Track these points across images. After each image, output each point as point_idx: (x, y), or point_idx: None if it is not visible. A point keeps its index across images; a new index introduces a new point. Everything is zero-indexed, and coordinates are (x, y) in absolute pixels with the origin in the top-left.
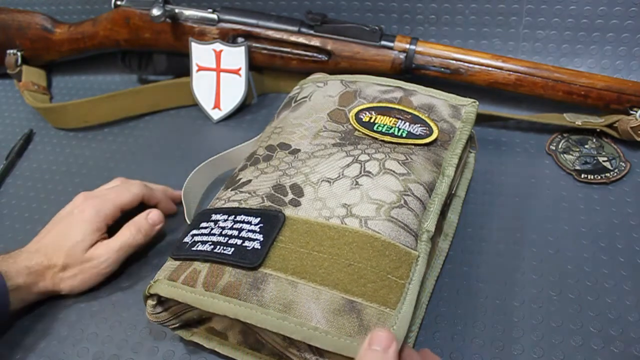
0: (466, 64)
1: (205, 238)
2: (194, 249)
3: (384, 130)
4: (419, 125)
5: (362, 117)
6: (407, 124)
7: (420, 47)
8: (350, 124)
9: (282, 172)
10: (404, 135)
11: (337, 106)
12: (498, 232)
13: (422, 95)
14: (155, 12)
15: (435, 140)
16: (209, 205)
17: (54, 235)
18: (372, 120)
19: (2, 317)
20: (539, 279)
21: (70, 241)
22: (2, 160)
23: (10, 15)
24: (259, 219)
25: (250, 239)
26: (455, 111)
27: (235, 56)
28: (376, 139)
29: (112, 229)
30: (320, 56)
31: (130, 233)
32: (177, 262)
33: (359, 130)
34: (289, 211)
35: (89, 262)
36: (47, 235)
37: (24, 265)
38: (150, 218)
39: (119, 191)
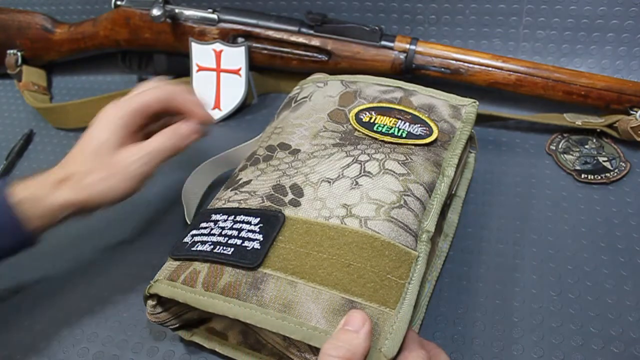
0: (466, 64)
1: (205, 238)
2: (193, 249)
3: (384, 131)
4: (419, 125)
5: (362, 117)
6: (407, 124)
7: (420, 47)
8: (350, 124)
9: (282, 172)
10: (404, 135)
11: (337, 106)
12: (498, 232)
13: (422, 95)
14: (156, 12)
15: (435, 141)
16: (209, 205)
17: (78, 145)
18: (372, 121)
19: (19, 235)
20: (539, 279)
21: (94, 143)
22: (2, 160)
23: (10, 15)
24: (258, 219)
25: (250, 239)
26: (455, 111)
27: (235, 56)
28: (376, 139)
29: None
30: (320, 56)
31: (162, 138)
32: (177, 262)
33: (359, 131)
34: (288, 211)
35: (118, 163)
36: (71, 150)
37: (37, 179)
38: (182, 128)
39: (144, 92)
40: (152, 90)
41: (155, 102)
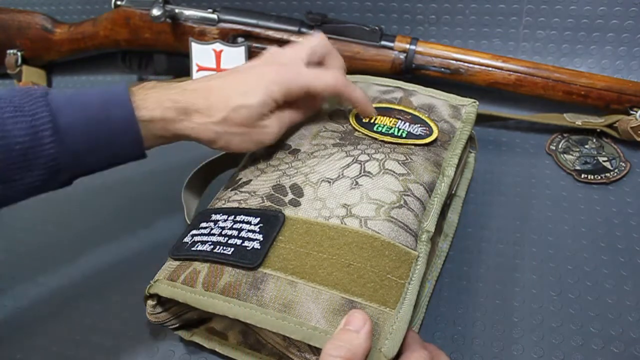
0: (466, 64)
1: (205, 238)
2: (193, 249)
3: (384, 131)
4: (419, 125)
5: (362, 117)
6: (407, 124)
7: (420, 47)
8: (350, 124)
9: (282, 172)
10: (404, 135)
11: (337, 106)
12: (498, 232)
13: (422, 95)
14: (155, 12)
15: (435, 141)
16: (209, 205)
17: (224, 86)
18: (372, 121)
19: (137, 151)
20: (539, 279)
21: (242, 101)
22: None
23: (10, 15)
24: (258, 219)
25: (250, 239)
26: (455, 111)
27: (235, 56)
28: (376, 139)
29: None
30: None
31: (299, 113)
32: (177, 262)
33: (358, 131)
34: (288, 211)
35: (256, 131)
36: (215, 79)
37: (169, 97)
38: (317, 104)
39: (317, 74)
40: (327, 77)
41: (323, 91)
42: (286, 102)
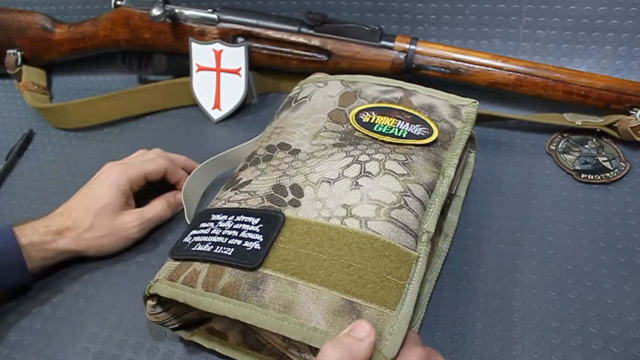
0: (466, 64)
1: (205, 238)
2: (193, 249)
3: (384, 131)
4: (419, 125)
5: (362, 117)
6: (408, 124)
7: (420, 47)
8: (351, 124)
9: (282, 173)
10: (404, 135)
11: (337, 106)
12: (498, 232)
13: (423, 95)
14: (155, 12)
15: (435, 141)
16: (209, 205)
17: (81, 199)
18: (372, 121)
19: (22, 274)
20: (539, 279)
21: (98, 204)
22: (2, 160)
23: (10, 15)
24: (258, 219)
25: (250, 240)
26: (455, 111)
27: (235, 56)
28: (376, 139)
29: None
30: (320, 56)
31: (162, 207)
32: (177, 263)
33: (359, 131)
34: (288, 211)
35: (120, 226)
36: (73, 200)
37: (42, 224)
38: (178, 197)
39: (144, 160)
40: (157, 160)
41: (157, 172)
42: (137, 197)
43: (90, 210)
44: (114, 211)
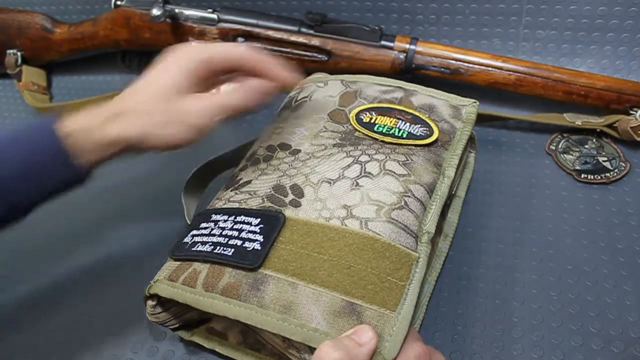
0: (466, 64)
1: (205, 238)
2: (193, 249)
3: (384, 131)
4: (419, 125)
5: (362, 117)
6: (408, 124)
7: (420, 47)
8: (351, 124)
9: (282, 173)
10: (405, 135)
11: (337, 106)
12: (498, 232)
13: (423, 95)
14: (155, 12)
15: (435, 141)
16: (209, 206)
17: (142, 81)
18: (372, 121)
19: (67, 168)
20: (539, 279)
21: (160, 83)
22: None
23: (10, 15)
24: (259, 219)
25: (250, 240)
26: (455, 111)
27: None
28: (377, 139)
29: None
30: (320, 56)
31: (232, 92)
32: (177, 263)
33: (359, 131)
34: (289, 212)
35: (180, 110)
36: (133, 84)
37: (96, 110)
38: (254, 84)
39: (218, 44)
40: (233, 45)
41: (233, 56)
42: (210, 84)
43: (151, 91)
44: (178, 93)
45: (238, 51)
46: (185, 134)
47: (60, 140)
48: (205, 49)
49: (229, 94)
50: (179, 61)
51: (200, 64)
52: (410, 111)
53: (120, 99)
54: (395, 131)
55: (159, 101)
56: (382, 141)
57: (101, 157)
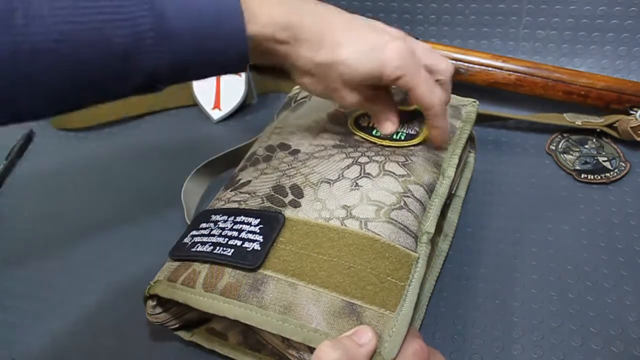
0: (466, 64)
1: (205, 239)
2: (193, 249)
3: (382, 135)
4: (415, 125)
5: (360, 122)
6: (405, 125)
7: None
8: (349, 128)
9: (281, 173)
10: (403, 138)
11: (337, 107)
12: (498, 232)
13: None
14: None
15: (424, 141)
16: (208, 206)
17: (350, 31)
18: (370, 125)
19: (241, 63)
20: (539, 279)
21: (352, 62)
22: (2, 160)
23: None
24: (258, 219)
25: (250, 240)
26: (455, 111)
27: None
28: (375, 143)
29: None
30: None
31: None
32: (177, 263)
33: (358, 135)
34: (288, 212)
35: (343, 92)
36: (340, 19)
37: (283, 14)
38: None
39: (431, 85)
40: (438, 95)
41: (424, 101)
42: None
43: (340, 55)
44: (355, 81)
45: (432, 102)
46: (328, 98)
47: (247, 44)
48: (416, 73)
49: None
50: (388, 58)
51: (398, 78)
52: (407, 109)
53: (311, 20)
54: (393, 135)
55: (335, 74)
56: (380, 145)
57: (263, 62)
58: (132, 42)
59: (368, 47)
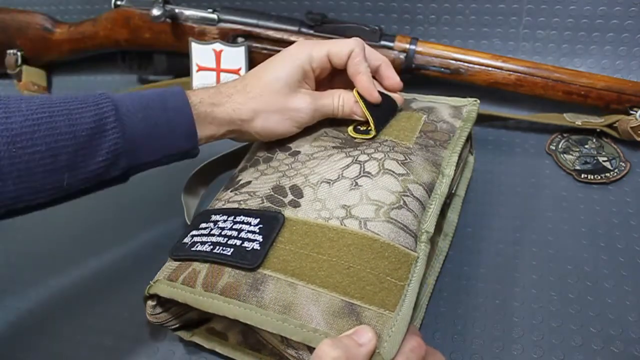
0: (466, 64)
1: (204, 238)
2: (193, 249)
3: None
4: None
5: (359, 127)
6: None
7: (420, 47)
8: (349, 134)
9: (281, 174)
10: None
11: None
12: (498, 232)
13: (422, 102)
14: (155, 12)
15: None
16: (208, 206)
17: (257, 70)
18: (369, 129)
19: (192, 137)
20: (539, 279)
21: (273, 74)
22: None
23: (10, 15)
24: (258, 219)
25: (249, 240)
26: (456, 111)
27: (235, 56)
28: (373, 139)
29: None
30: None
31: (336, 100)
32: (177, 263)
33: (357, 139)
34: (288, 212)
35: (290, 105)
36: (249, 73)
37: (212, 88)
38: (349, 98)
39: (335, 41)
40: (346, 41)
41: (341, 53)
42: (318, 83)
43: (262, 79)
44: (288, 86)
45: (348, 48)
46: (287, 126)
47: (190, 107)
48: (319, 46)
49: (328, 97)
50: (294, 59)
51: (312, 60)
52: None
53: (232, 85)
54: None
55: (271, 90)
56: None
57: (213, 135)
58: (96, 123)
59: (277, 62)
